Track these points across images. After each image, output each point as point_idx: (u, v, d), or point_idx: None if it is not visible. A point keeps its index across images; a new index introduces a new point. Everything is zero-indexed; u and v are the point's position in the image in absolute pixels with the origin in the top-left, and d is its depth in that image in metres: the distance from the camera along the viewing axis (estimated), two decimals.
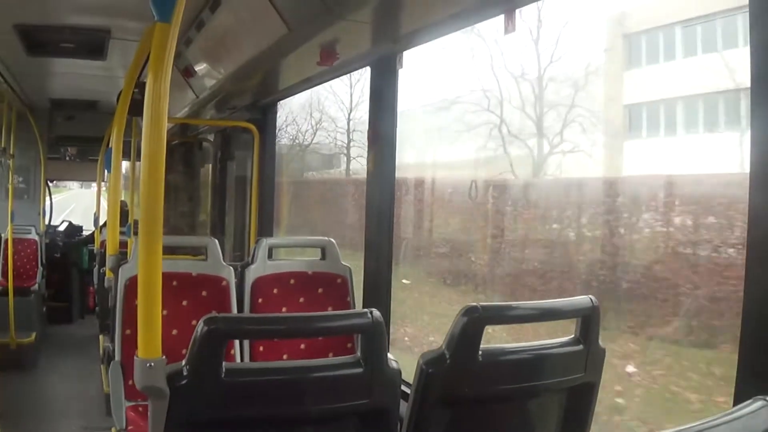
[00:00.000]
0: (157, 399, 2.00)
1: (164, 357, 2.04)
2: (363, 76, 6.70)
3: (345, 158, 10.36)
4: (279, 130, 7.43)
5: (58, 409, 6.18)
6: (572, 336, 2.35)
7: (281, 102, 6.57)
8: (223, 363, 2.03)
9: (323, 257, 4.24)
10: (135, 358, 2.04)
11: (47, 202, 9.85)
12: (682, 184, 4.51)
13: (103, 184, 9.27)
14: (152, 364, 2.01)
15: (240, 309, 3.98)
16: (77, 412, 6.09)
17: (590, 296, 2.35)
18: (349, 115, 9.88)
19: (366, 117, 4.32)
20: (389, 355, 2.23)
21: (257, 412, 2.11)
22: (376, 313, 2.18)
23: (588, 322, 2.32)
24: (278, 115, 6.68)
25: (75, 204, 24.96)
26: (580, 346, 2.33)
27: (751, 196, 2.06)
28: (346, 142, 10.22)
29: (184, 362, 2.02)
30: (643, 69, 5.18)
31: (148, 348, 2.03)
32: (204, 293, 3.87)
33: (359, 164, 9.60)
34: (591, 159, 5.61)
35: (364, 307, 3.65)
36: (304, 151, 10.60)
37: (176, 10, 2.02)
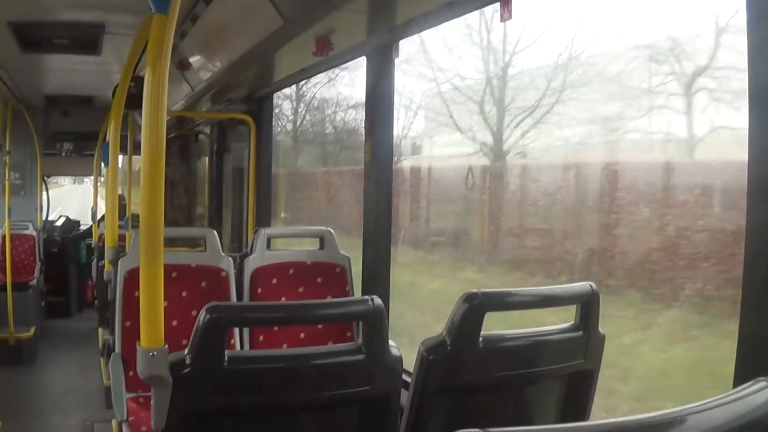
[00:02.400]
0: (160, 388, 2.01)
1: (166, 346, 2.04)
2: None
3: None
4: None
5: (58, 403, 6.19)
6: (572, 322, 2.36)
7: None
8: (226, 351, 2.04)
9: (322, 247, 4.23)
10: (137, 347, 2.04)
11: (44, 198, 9.85)
12: None
13: (99, 178, 9.28)
14: (155, 353, 2.02)
15: (239, 299, 3.97)
16: (77, 405, 6.11)
17: (590, 282, 2.35)
18: None
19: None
20: (390, 342, 2.23)
21: (259, 400, 2.12)
22: (377, 300, 2.19)
23: (588, 308, 2.33)
24: None
25: (65, 203, 24.01)
26: (580, 333, 2.33)
27: (750, 187, 2.07)
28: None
29: (186, 351, 2.03)
30: None
31: (151, 338, 2.04)
32: (203, 284, 3.88)
33: None
34: None
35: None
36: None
37: (173, 1, 2.02)
